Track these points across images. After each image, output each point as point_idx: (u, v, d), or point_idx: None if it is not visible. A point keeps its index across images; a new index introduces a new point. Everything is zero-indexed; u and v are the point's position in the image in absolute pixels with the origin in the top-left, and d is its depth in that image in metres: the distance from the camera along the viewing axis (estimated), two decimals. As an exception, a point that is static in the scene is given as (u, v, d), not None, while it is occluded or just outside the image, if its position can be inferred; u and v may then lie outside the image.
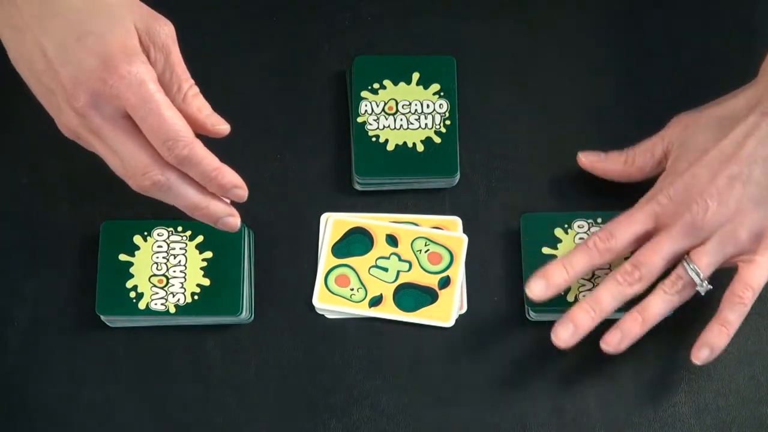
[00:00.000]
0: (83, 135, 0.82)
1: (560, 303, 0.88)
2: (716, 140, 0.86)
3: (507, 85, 0.96)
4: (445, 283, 0.91)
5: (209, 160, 0.81)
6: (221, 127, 0.83)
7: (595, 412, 0.88)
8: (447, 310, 0.90)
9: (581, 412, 0.88)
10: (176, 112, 0.80)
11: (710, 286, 0.85)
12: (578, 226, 0.91)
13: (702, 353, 0.85)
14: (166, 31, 0.81)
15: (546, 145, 0.95)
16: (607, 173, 0.91)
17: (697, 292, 0.85)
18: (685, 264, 0.85)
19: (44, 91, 0.82)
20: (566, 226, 0.91)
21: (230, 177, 0.82)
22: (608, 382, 0.89)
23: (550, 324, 0.86)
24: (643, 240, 0.86)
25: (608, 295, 0.85)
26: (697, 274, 0.84)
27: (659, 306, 0.85)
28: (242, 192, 0.83)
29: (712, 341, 0.85)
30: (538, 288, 0.86)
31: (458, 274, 0.91)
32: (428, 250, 0.91)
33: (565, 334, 0.86)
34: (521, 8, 0.98)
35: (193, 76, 0.82)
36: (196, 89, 0.83)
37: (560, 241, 0.90)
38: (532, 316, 0.90)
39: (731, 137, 0.85)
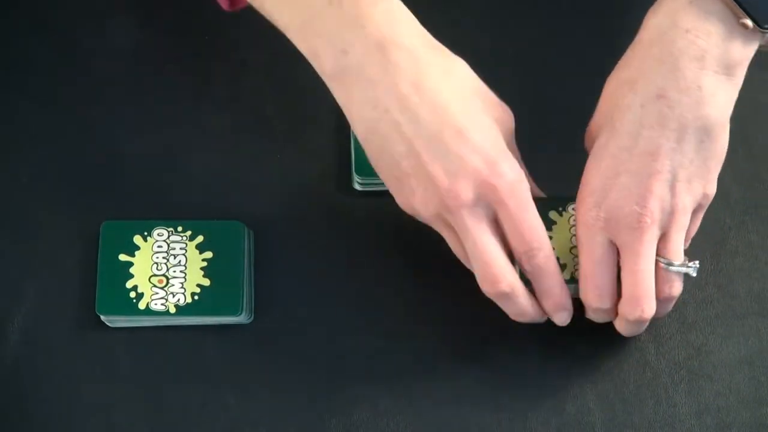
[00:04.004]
0: (437, 224, 0.83)
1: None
2: (613, 130, 0.83)
3: (507, 85, 0.96)
4: None
5: (559, 277, 0.83)
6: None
7: (595, 412, 0.88)
8: None
9: (581, 411, 0.88)
10: (540, 221, 0.82)
11: (696, 262, 0.84)
12: (572, 209, 0.89)
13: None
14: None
15: (546, 146, 0.95)
16: None
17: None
18: (668, 269, 0.84)
19: (398, 172, 0.81)
20: (560, 209, 0.89)
21: (568, 300, 0.84)
22: (608, 382, 0.89)
23: (549, 325, 0.86)
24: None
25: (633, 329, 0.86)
26: (684, 266, 0.84)
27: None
28: (567, 317, 0.85)
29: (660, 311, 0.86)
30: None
31: None
32: None
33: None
34: (521, 8, 0.99)
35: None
36: None
37: (555, 223, 0.89)
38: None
39: (630, 130, 0.82)
